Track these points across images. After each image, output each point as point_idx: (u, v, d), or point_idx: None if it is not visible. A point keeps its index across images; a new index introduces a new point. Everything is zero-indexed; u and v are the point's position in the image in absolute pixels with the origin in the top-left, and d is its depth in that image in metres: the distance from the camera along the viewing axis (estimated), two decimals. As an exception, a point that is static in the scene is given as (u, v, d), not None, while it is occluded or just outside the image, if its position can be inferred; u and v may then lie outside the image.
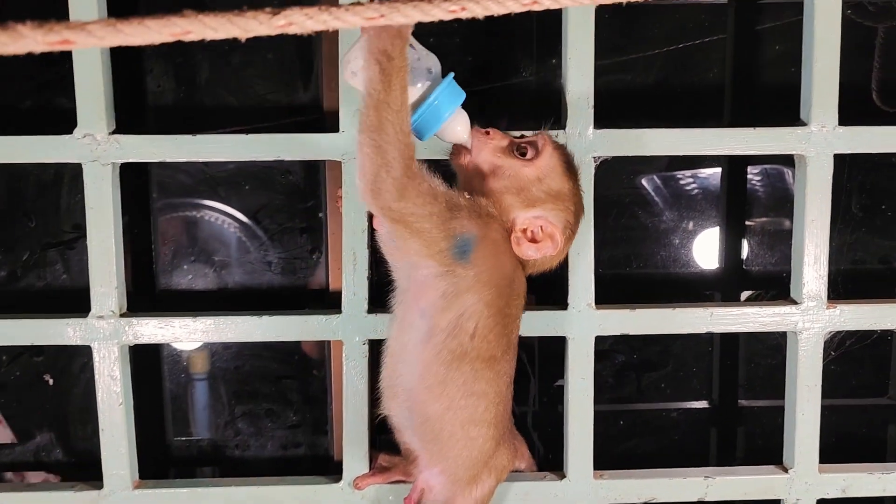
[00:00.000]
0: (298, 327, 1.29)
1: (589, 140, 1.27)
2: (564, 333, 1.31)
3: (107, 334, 1.27)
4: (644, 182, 1.52)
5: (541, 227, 1.10)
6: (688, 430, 1.57)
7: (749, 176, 1.55)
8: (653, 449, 1.56)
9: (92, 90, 1.23)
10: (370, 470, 1.32)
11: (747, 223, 1.56)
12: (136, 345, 1.33)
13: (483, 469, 1.19)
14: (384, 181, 1.00)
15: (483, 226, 1.08)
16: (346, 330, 1.29)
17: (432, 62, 1.07)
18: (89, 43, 0.63)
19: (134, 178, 1.38)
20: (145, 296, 1.42)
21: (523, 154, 1.11)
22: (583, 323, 1.30)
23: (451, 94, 1.05)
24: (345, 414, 1.31)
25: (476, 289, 1.07)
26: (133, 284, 1.40)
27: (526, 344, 1.50)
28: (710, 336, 1.55)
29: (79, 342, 1.27)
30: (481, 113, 1.16)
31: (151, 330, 1.28)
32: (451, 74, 1.06)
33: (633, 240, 1.51)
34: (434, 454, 1.17)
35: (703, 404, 1.58)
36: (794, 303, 1.33)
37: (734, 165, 1.54)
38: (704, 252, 1.55)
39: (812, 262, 1.32)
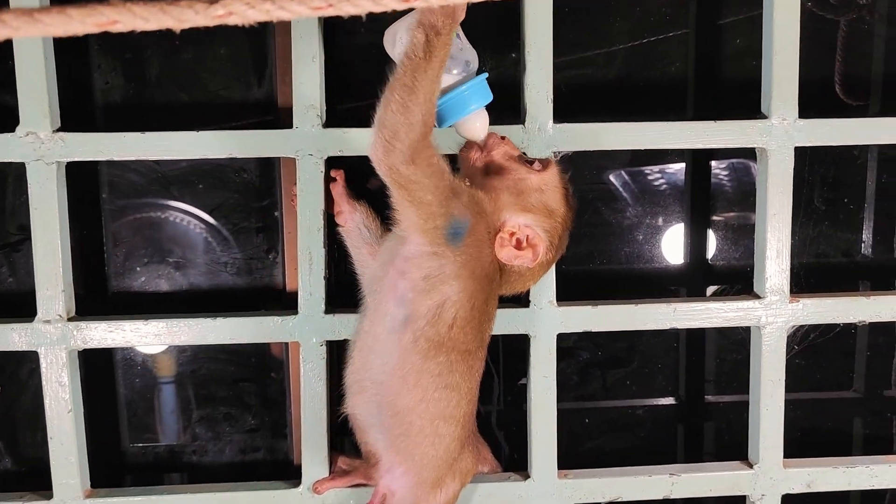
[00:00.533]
0: (253, 329, 1.26)
1: (549, 134, 1.25)
2: (526, 331, 1.29)
3: (54, 339, 1.23)
4: (607, 178, 1.50)
5: (527, 235, 1.10)
6: (654, 428, 1.56)
7: (715, 171, 1.54)
8: (619, 447, 1.55)
9: (34, 87, 1.19)
10: (330, 474, 1.29)
11: (713, 218, 1.55)
12: (86, 350, 1.29)
13: (448, 472, 1.17)
14: (401, 140, 1.00)
15: (476, 217, 1.07)
16: (302, 331, 1.26)
17: (472, 56, 1.09)
18: (2, 34, 0.59)
19: (83, 177, 1.34)
20: (97, 299, 1.37)
21: (530, 164, 1.12)
22: (544, 320, 1.28)
23: (480, 91, 1.08)
24: (303, 417, 1.28)
25: (461, 277, 1.06)
26: (84, 288, 1.36)
27: (490, 343, 1.47)
28: (675, 332, 1.54)
29: (24, 348, 1.23)
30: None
31: (101, 334, 1.24)
32: (485, 74, 1.09)
33: (596, 236, 1.49)
34: (400, 451, 1.14)
35: (669, 401, 1.57)
36: (758, 297, 1.32)
37: (698, 160, 1.52)
38: (669, 248, 1.53)
39: (774, 257, 1.31)
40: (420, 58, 0.98)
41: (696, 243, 1.54)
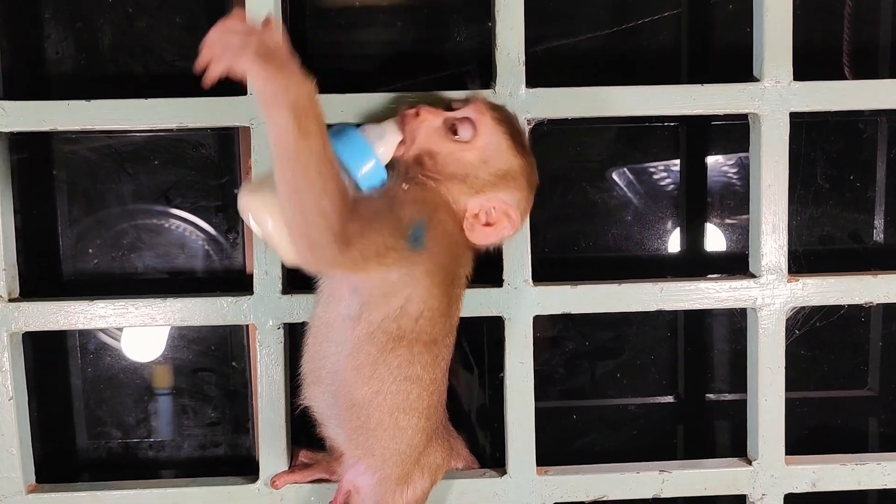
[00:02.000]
0: (205, 311, 1.17)
1: (521, 100, 1.16)
2: (500, 313, 1.19)
3: (-6, 321, 1.16)
4: (592, 155, 1.40)
5: (493, 208, 1.00)
6: (650, 426, 1.45)
7: (723, 167, 1.44)
8: (611, 446, 1.44)
9: (-26, 52, 1.13)
10: (290, 467, 1.20)
11: (711, 205, 1.44)
12: (35, 336, 1.21)
13: (414, 468, 1.07)
14: (322, 240, 0.87)
15: (431, 208, 0.98)
16: (258, 313, 1.17)
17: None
18: None
19: (32, 153, 1.27)
20: (48, 283, 1.30)
21: (460, 133, 0.99)
22: (520, 301, 1.19)
23: (348, 146, 0.95)
24: (260, 406, 1.19)
25: (431, 272, 0.97)
26: (34, 269, 1.28)
27: (471, 333, 1.38)
28: (669, 320, 1.43)
29: (-37, 330, 1.16)
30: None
31: (44, 316, 1.16)
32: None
33: (580, 217, 1.39)
34: (360, 446, 1.05)
35: (665, 396, 1.46)
36: (753, 276, 1.22)
37: (694, 135, 1.42)
38: (662, 231, 1.43)
39: (770, 232, 1.20)
40: (298, 144, 0.83)
41: (691, 227, 1.44)
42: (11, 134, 1.16)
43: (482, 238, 1.02)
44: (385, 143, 0.99)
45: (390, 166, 1.01)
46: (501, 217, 1.01)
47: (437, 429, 1.09)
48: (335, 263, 0.92)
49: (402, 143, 1.00)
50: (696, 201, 1.44)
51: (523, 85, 1.16)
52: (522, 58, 1.16)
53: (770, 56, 1.17)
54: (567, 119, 1.19)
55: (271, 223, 0.93)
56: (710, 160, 1.44)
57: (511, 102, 1.16)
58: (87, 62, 1.27)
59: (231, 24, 0.84)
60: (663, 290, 1.20)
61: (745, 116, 1.21)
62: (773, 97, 1.18)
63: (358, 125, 1.01)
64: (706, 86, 1.18)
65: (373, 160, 0.97)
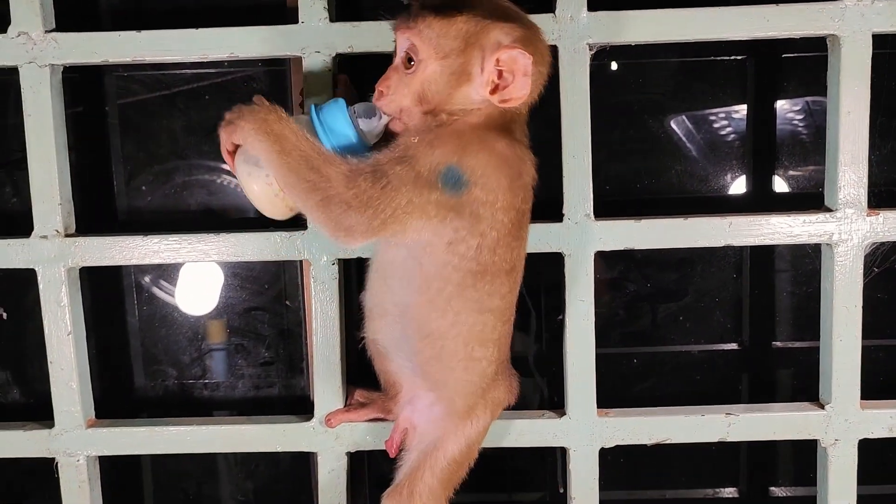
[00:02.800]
0: (258, 246, 1.16)
1: (583, 24, 1.11)
2: (560, 249, 1.15)
3: (51, 256, 1.16)
4: (654, 91, 1.34)
5: (497, 69, 0.94)
6: (712, 371, 1.39)
7: (789, 112, 1.35)
8: (673, 391, 1.39)
9: (25, -17, 1.11)
10: (345, 406, 1.18)
11: (778, 142, 1.37)
12: (90, 273, 1.22)
13: (480, 400, 1.05)
14: (344, 216, 0.92)
15: (455, 140, 0.93)
16: (311, 248, 1.15)
17: (300, 120, 0.97)
18: None
19: (85, 90, 1.27)
20: (103, 219, 1.30)
21: (410, 63, 0.95)
22: (580, 236, 1.14)
23: (330, 111, 0.96)
24: (315, 344, 1.17)
25: (490, 201, 0.93)
26: (89, 206, 1.28)
27: (527, 273, 1.34)
28: (735, 261, 1.37)
29: (21, 265, 1.16)
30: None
31: (100, 250, 1.16)
32: (312, 108, 0.97)
33: (642, 152, 1.33)
34: (431, 378, 1.03)
35: (729, 343, 1.40)
36: (829, 210, 1.15)
37: (762, 71, 1.35)
38: (728, 170, 1.36)
39: (849, 162, 1.13)
40: (276, 147, 0.92)
41: (758, 169, 1.37)
42: (64, 67, 1.15)
43: (519, 94, 0.94)
44: (374, 123, 0.97)
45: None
46: (510, 64, 0.93)
47: (505, 359, 1.06)
48: (368, 230, 0.92)
49: (394, 120, 0.98)
50: (762, 144, 1.36)
51: (585, 8, 1.10)
52: (584, -22, 1.10)
53: (852, -28, 1.09)
54: (630, 46, 1.13)
55: (256, 188, 0.98)
56: (779, 104, 1.36)
57: (572, 27, 1.11)
58: (135, -3, 1.26)
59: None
60: (732, 224, 1.14)
61: (819, 47, 1.14)
62: (855, 17, 1.10)
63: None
64: (780, 5, 1.11)
65: (352, 138, 0.96)
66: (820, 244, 1.16)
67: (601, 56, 1.15)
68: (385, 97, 0.97)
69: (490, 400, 1.06)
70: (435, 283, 0.96)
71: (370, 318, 1.05)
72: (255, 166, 0.96)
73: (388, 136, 0.98)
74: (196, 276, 1.34)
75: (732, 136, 1.37)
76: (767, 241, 1.15)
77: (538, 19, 1.09)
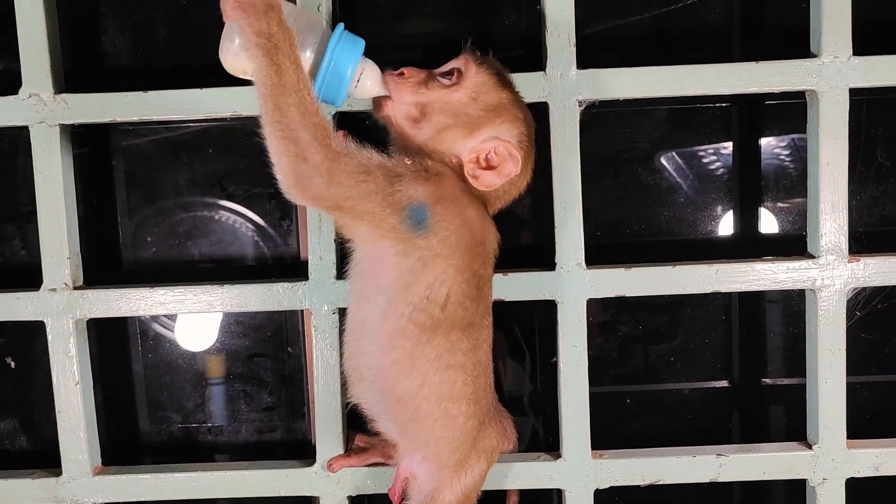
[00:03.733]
0: (262, 297, 1.19)
1: (572, 81, 1.15)
2: (553, 297, 1.19)
3: (60, 308, 1.19)
4: (643, 137, 1.38)
5: (493, 148, 0.99)
6: (704, 410, 1.43)
7: (774, 149, 1.40)
8: (665, 430, 1.42)
9: (36, 47, 1.16)
10: (346, 451, 1.22)
11: (766, 187, 1.41)
12: (95, 321, 1.25)
13: (470, 452, 1.08)
14: (306, 172, 0.91)
15: (434, 186, 0.97)
16: (313, 298, 1.19)
17: (313, 18, 0.97)
18: None
19: (92, 145, 1.31)
20: (109, 271, 1.33)
21: (446, 76, 1.00)
22: (573, 284, 1.18)
23: (347, 49, 0.95)
24: (316, 390, 1.20)
25: (444, 255, 0.96)
26: (97, 259, 1.32)
27: (521, 316, 1.38)
28: (724, 303, 1.41)
29: (31, 317, 1.20)
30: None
31: (107, 303, 1.19)
32: (341, 26, 0.96)
33: (631, 200, 1.38)
34: (413, 439, 1.06)
35: (719, 381, 1.44)
36: (812, 257, 1.19)
37: (746, 116, 1.40)
38: (715, 214, 1.41)
39: (830, 211, 1.18)
40: (271, 76, 0.89)
41: (745, 211, 1.41)
42: (73, 126, 1.20)
43: (488, 182, 0.99)
44: (371, 83, 0.98)
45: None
46: (503, 156, 0.99)
47: (488, 411, 1.09)
48: (321, 201, 0.93)
49: (386, 100, 1.01)
50: (749, 184, 1.41)
51: (574, 66, 1.15)
52: (573, 39, 1.15)
53: (828, 30, 1.15)
54: (618, 100, 1.18)
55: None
56: (763, 142, 1.41)
57: (562, 84, 1.15)
58: (143, 55, 1.30)
59: None
60: (718, 271, 1.19)
61: (800, 95, 1.19)
62: (832, 73, 1.15)
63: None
64: (761, 63, 1.16)
65: (345, 78, 0.95)
66: (804, 289, 1.20)
67: (590, 107, 1.19)
68: (402, 81, 1.00)
69: (482, 449, 1.09)
70: (397, 340, 0.99)
71: (350, 382, 1.08)
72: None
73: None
74: (197, 325, 1.37)
75: (719, 180, 1.41)
76: (753, 288, 1.19)
77: (528, 77, 1.14)
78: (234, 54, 0.95)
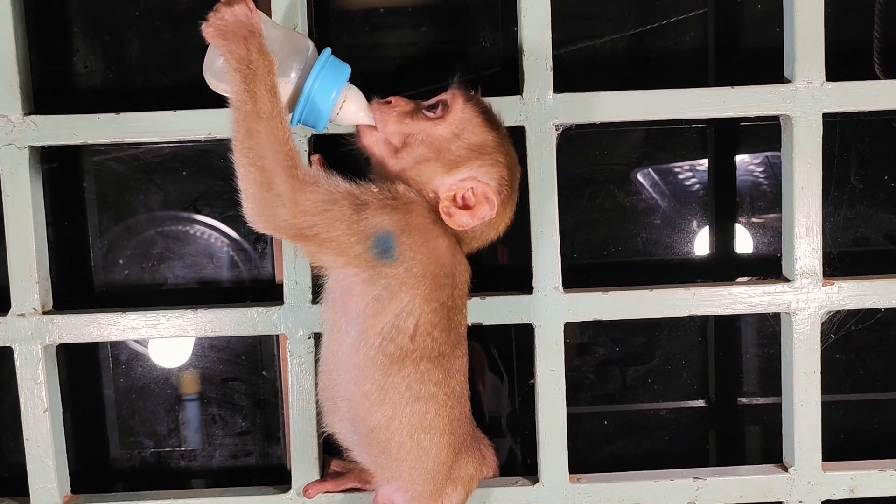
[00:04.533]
0: (236, 321, 1.18)
1: (549, 105, 1.15)
2: (531, 321, 1.18)
3: (28, 334, 1.16)
4: (619, 158, 1.39)
5: (471, 189, 0.98)
6: (681, 431, 1.43)
7: (749, 166, 1.41)
8: (641, 452, 1.42)
9: (4, 69, 1.14)
10: (322, 476, 1.20)
11: (742, 206, 1.42)
12: (68, 347, 1.22)
13: (446, 482, 1.06)
14: (270, 200, 0.91)
15: (402, 215, 0.96)
16: (288, 323, 1.17)
17: (300, 42, 0.97)
18: None
19: (63, 166, 1.29)
20: (80, 294, 1.31)
21: (432, 109, 1.00)
22: (550, 308, 1.18)
23: (331, 74, 0.95)
24: (291, 416, 1.19)
25: (410, 284, 0.96)
26: (67, 282, 1.30)
27: (499, 338, 1.38)
28: (700, 325, 1.42)
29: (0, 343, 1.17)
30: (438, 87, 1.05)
31: (77, 328, 1.17)
32: (327, 50, 0.96)
33: (609, 222, 1.38)
34: (387, 470, 1.04)
35: (697, 402, 1.44)
36: (787, 280, 1.20)
37: (721, 136, 1.41)
38: (691, 234, 1.42)
39: (804, 235, 1.18)
40: (244, 101, 0.89)
41: (721, 229, 1.42)
42: (43, 147, 1.17)
43: (461, 222, 0.98)
44: (354, 109, 0.97)
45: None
46: (480, 199, 0.98)
47: (465, 440, 1.08)
48: (285, 230, 0.93)
49: (370, 129, 1.00)
50: (724, 202, 1.42)
51: (551, 90, 1.15)
52: (550, 63, 1.15)
53: (802, 56, 1.16)
54: (594, 122, 1.18)
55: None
56: (738, 160, 1.42)
57: (539, 109, 1.15)
58: (115, 75, 1.28)
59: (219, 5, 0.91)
60: (695, 295, 1.19)
61: (775, 117, 1.20)
62: (806, 98, 1.16)
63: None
64: (736, 88, 1.16)
65: (328, 102, 0.94)
66: (779, 313, 1.21)
67: (566, 130, 1.19)
68: (389, 109, 0.99)
69: (459, 478, 1.07)
70: (368, 371, 0.98)
71: (324, 412, 1.07)
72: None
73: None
74: (171, 346, 1.35)
75: (694, 199, 1.42)
76: (729, 311, 1.19)
77: (505, 101, 1.14)
78: (215, 76, 0.94)
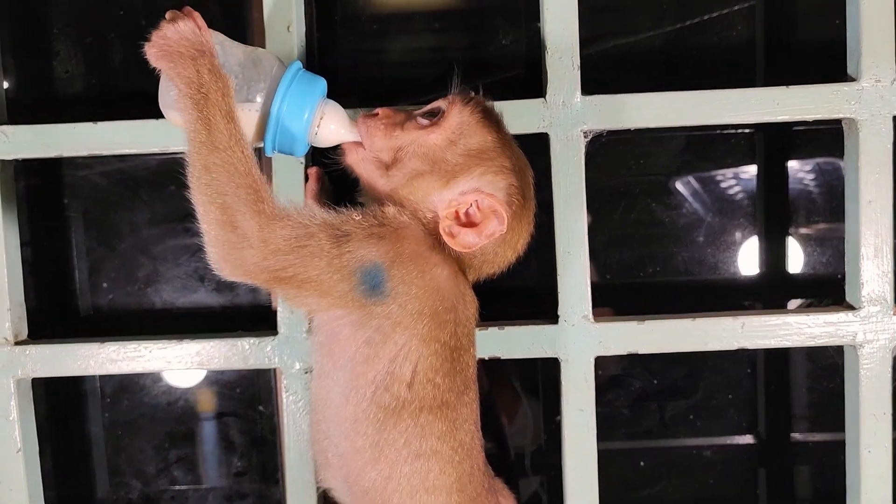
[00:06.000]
0: (226, 353, 1.05)
1: (576, 109, 1.02)
2: (556, 354, 1.04)
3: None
4: (657, 167, 1.24)
5: (474, 202, 0.84)
6: (727, 473, 1.28)
7: (798, 174, 1.26)
8: (683, 496, 1.27)
9: (-28, 74, 1.04)
10: (320, 526, 1.07)
11: (795, 219, 1.26)
12: (47, 381, 1.12)
13: None
14: (235, 242, 0.79)
15: (392, 243, 0.82)
16: (283, 355, 1.05)
17: (264, 59, 0.84)
18: None
19: (44, 181, 1.18)
20: (63, 320, 1.20)
21: (426, 117, 0.87)
22: (578, 340, 1.04)
23: (300, 91, 0.82)
24: (287, 459, 1.06)
25: (405, 324, 0.82)
26: (46, 304, 1.19)
27: (524, 368, 1.24)
28: (748, 355, 1.26)
29: (-33, 376, 1.07)
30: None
31: (52, 360, 1.06)
32: (295, 64, 0.84)
33: (646, 239, 1.23)
34: None
35: (745, 439, 1.29)
36: (852, 308, 1.05)
37: (772, 142, 1.25)
38: (740, 252, 1.26)
39: (872, 256, 1.03)
40: (199, 131, 0.79)
41: (773, 246, 1.27)
42: (17, 161, 1.07)
43: (466, 242, 0.84)
44: (334, 127, 0.86)
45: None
46: (487, 213, 0.84)
47: (478, 496, 0.93)
48: (256, 275, 0.81)
49: (356, 146, 0.88)
50: (775, 216, 1.27)
51: (578, 92, 1.02)
52: (577, 61, 1.01)
53: (868, 51, 1.01)
54: (628, 129, 1.04)
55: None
56: (791, 167, 1.26)
57: (564, 113, 1.02)
58: (98, 81, 1.18)
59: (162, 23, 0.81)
60: (744, 325, 1.04)
61: (835, 121, 1.05)
62: (873, 99, 1.01)
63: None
64: (791, 88, 1.02)
65: (301, 125, 0.83)
66: (843, 346, 1.05)
67: (597, 137, 1.05)
68: (375, 123, 0.87)
69: None
70: (360, 426, 0.84)
71: (317, 466, 0.95)
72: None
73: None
74: (163, 377, 1.24)
75: (742, 212, 1.27)
76: (784, 344, 1.04)
77: (526, 105, 1.01)
78: (171, 106, 0.83)
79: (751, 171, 1.27)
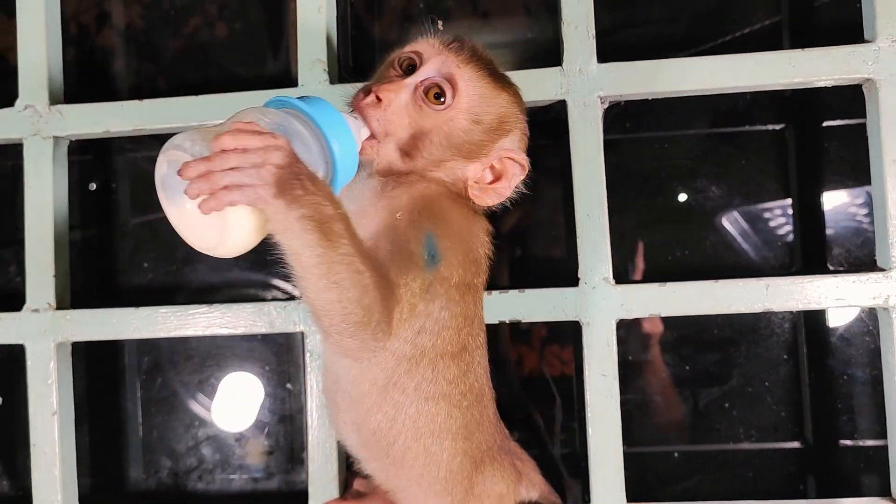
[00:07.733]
0: (253, 319, 1.08)
1: (593, 76, 1.05)
2: (577, 317, 1.04)
3: (41, 330, 1.11)
4: (682, 149, 1.24)
5: (495, 161, 0.86)
6: (766, 465, 1.22)
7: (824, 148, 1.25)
8: (720, 490, 1.22)
9: (34, 59, 1.13)
10: (342, 496, 1.06)
11: (827, 192, 1.23)
12: (86, 355, 1.16)
13: (467, 496, 0.90)
14: (362, 332, 0.73)
15: (423, 204, 0.82)
16: (308, 320, 1.07)
17: (287, 119, 0.73)
18: None
19: (94, 165, 1.26)
20: (104, 296, 1.25)
21: (438, 99, 0.82)
22: (599, 302, 1.03)
23: (336, 127, 0.73)
24: (310, 425, 1.07)
25: (446, 277, 0.81)
26: (90, 283, 1.25)
27: (552, 356, 1.23)
28: (788, 339, 1.22)
29: (11, 340, 1.12)
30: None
31: (91, 324, 1.11)
32: (313, 103, 0.74)
33: (674, 222, 1.23)
34: (393, 479, 0.90)
35: (786, 436, 1.23)
36: (882, 270, 1.02)
37: (802, 139, 1.25)
38: (770, 234, 1.25)
39: (900, 215, 1.01)
40: (325, 253, 0.67)
41: (805, 227, 1.24)
42: (70, 140, 1.15)
43: (495, 197, 0.86)
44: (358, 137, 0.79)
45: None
46: (507, 166, 0.86)
47: (488, 449, 0.92)
48: (383, 347, 0.77)
49: (370, 140, 0.81)
50: (807, 212, 1.25)
51: (594, 59, 1.05)
52: (592, 28, 1.05)
53: (883, 11, 1.02)
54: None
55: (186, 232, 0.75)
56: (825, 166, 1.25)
57: (581, 80, 1.05)
58: (151, 74, 1.26)
59: (246, 139, 0.67)
60: (769, 287, 1.02)
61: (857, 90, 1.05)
62: (891, 58, 1.01)
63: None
64: (807, 50, 1.03)
65: (355, 152, 0.75)
66: (875, 308, 1.02)
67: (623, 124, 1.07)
68: (380, 110, 0.81)
69: (485, 494, 0.91)
70: (370, 372, 0.83)
71: (329, 413, 0.95)
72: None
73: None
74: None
75: (777, 218, 1.26)
76: (812, 306, 1.02)
77: (544, 73, 1.04)
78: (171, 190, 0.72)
79: (783, 174, 1.26)
